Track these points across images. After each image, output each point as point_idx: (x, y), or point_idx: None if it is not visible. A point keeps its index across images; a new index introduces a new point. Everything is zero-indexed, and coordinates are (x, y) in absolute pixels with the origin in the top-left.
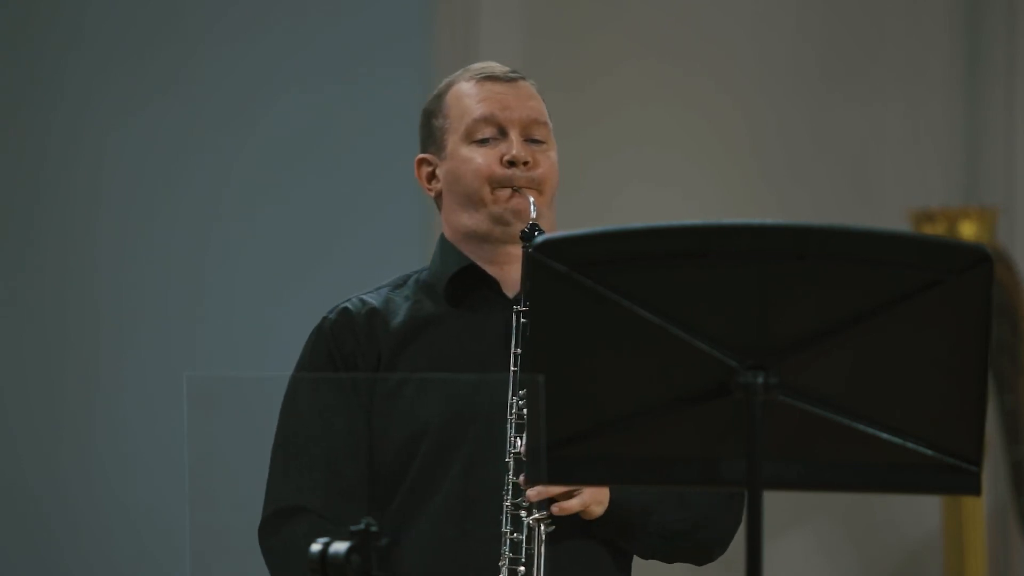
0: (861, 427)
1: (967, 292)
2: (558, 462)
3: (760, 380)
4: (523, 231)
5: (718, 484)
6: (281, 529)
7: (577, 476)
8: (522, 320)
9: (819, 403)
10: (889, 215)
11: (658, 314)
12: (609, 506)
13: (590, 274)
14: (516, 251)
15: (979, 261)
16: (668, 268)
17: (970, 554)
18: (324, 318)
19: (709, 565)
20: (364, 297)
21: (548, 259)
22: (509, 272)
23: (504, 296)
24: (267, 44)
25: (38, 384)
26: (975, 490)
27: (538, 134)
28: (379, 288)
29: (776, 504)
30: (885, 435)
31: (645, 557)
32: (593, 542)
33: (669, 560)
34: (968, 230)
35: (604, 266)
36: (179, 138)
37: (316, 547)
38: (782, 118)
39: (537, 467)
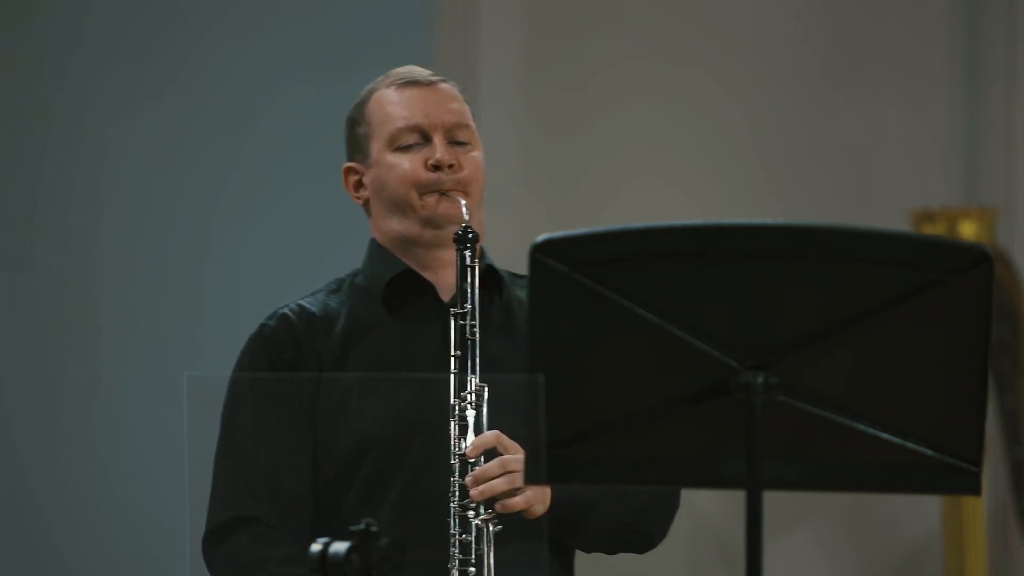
0: (861, 427)
1: (967, 292)
2: (557, 462)
3: (760, 380)
4: (456, 234)
5: (718, 484)
6: (227, 540)
7: (577, 476)
8: (460, 323)
9: (819, 403)
10: (890, 215)
11: (658, 314)
12: (551, 504)
13: (590, 274)
14: (448, 255)
15: (979, 261)
16: (668, 268)
17: (970, 554)
18: (263, 325)
19: (708, 564)
20: (302, 303)
21: (548, 259)
22: (443, 277)
23: (440, 301)
24: (268, 43)
25: (38, 384)
26: (975, 490)
27: (462, 136)
28: (315, 293)
29: (776, 504)
30: (885, 435)
31: (588, 551)
32: (535, 540)
33: (611, 552)
34: (968, 230)
35: (604, 266)
36: (179, 137)
37: (316, 547)
38: (783, 118)
39: (537, 467)
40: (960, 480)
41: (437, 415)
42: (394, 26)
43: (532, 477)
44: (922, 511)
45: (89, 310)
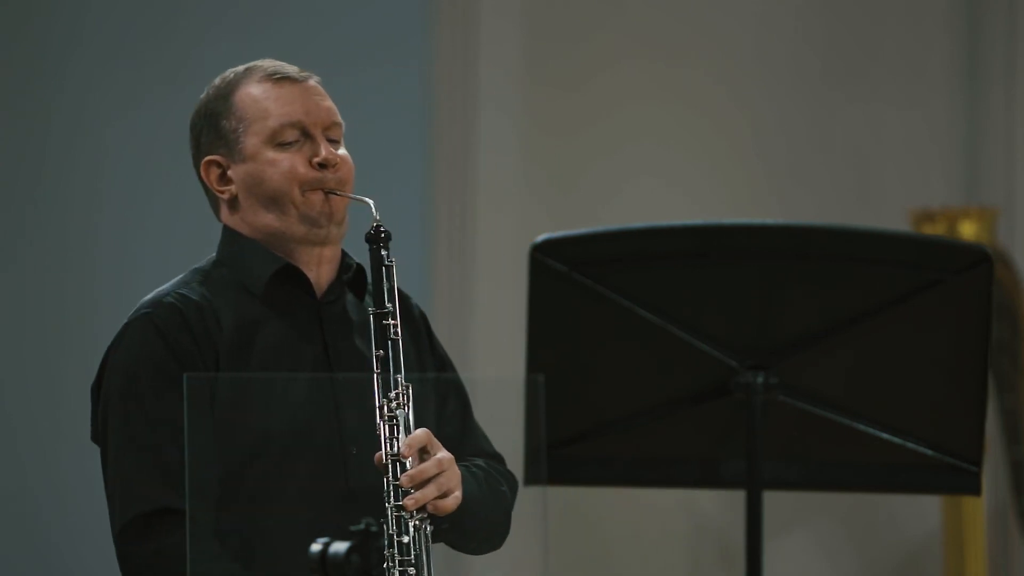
0: (861, 427)
1: (967, 292)
2: (557, 462)
3: (760, 380)
4: (368, 233)
5: (718, 484)
6: (156, 532)
7: (577, 476)
8: (384, 323)
9: (819, 403)
10: (890, 215)
11: (658, 314)
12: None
13: (590, 274)
14: (326, 252)
15: (979, 261)
16: (668, 268)
17: (970, 554)
18: (145, 313)
19: (708, 564)
20: (182, 292)
21: (548, 259)
22: (318, 274)
23: (315, 297)
24: (268, 43)
25: (38, 384)
26: (975, 490)
27: (335, 134)
28: (187, 283)
29: (776, 504)
30: (885, 435)
31: (464, 551)
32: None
33: (473, 552)
34: (968, 230)
35: (604, 266)
36: (179, 137)
37: (316, 547)
38: (783, 118)
39: (537, 467)
40: (960, 480)
41: (334, 413)
42: (394, 26)
43: (532, 477)
44: (922, 511)
45: (89, 310)
